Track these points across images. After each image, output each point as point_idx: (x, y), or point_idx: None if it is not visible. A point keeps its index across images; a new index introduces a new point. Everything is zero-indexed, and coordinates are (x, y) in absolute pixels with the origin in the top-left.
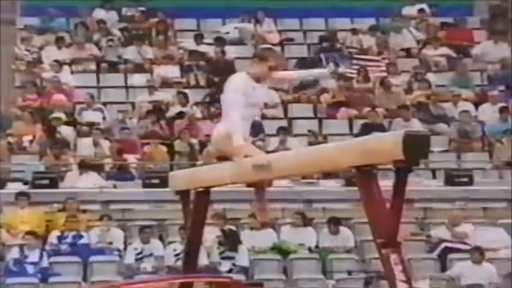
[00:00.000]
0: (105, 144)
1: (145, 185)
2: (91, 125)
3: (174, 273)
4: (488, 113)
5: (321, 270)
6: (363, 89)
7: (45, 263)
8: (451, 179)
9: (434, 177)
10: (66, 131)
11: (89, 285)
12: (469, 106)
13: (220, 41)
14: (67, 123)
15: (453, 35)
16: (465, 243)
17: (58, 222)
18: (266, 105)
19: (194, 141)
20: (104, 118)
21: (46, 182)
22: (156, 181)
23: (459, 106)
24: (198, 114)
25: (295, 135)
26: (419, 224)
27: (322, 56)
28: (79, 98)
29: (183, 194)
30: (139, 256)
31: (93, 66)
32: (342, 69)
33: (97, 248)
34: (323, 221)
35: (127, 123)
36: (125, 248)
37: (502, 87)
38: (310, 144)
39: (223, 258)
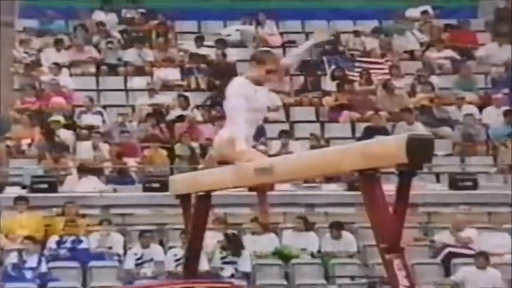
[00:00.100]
0: (105, 147)
1: (145, 189)
2: (90, 128)
3: (175, 279)
4: (493, 116)
5: (323, 275)
6: (365, 91)
7: (43, 268)
8: (455, 183)
9: (438, 181)
10: (65, 135)
11: None
12: (473, 109)
13: (221, 44)
14: (66, 127)
15: (457, 37)
16: (469, 248)
17: (57, 227)
18: (268, 109)
19: (195, 144)
20: (103, 121)
21: (45, 186)
22: (157, 185)
23: (463, 109)
24: (199, 118)
25: (297, 139)
26: (423, 229)
27: (324, 58)
28: (78, 101)
29: (184, 198)
30: (139, 261)
31: (92, 69)
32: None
33: (96, 252)
34: (325, 226)
35: (127, 126)
36: (125, 253)
37: (506, 90)
38: (312, 147)
39: (225, 263)
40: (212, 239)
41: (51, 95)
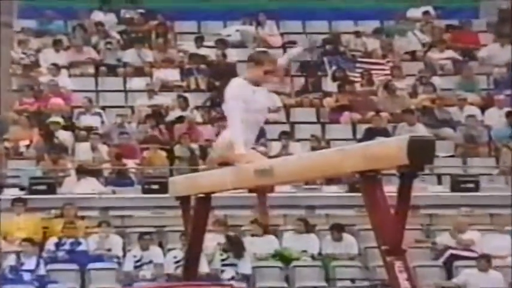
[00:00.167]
0: (104, 149)
1: (144, 191)
2: (89, 129)
3: (174, 281)
4: (495, 117)
5: (324, 277)
6: (366, 92)
7: (42, 270)
8: (457, 184)
9: (439, 182)
10: (63, 136)
11: None
12: (475, 110)
13: (221, 44)
14: (65, 128)
15: (459, 38)
16: (471, 251)
17: (55, 229)
18: (269, 110)
19: (194, 146)
20: (102, 122)
21: (43, 187)
22: (156, 187)
23: (465, 110)
24: (199, 119)
25: (298, 140)
26: (425, 231)
27: (325, 59)
28: (77, 102)
29: (184, 200)
30: (139, 263)
31: (91, 70)
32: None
33: (95, 255)
34: (326, 228)
35: (126, 127)
36: (124, 255)
37: (508, 91)
38: (313, 149)
39: (225, 265)
40: (212, 241)
41: (49, 96)
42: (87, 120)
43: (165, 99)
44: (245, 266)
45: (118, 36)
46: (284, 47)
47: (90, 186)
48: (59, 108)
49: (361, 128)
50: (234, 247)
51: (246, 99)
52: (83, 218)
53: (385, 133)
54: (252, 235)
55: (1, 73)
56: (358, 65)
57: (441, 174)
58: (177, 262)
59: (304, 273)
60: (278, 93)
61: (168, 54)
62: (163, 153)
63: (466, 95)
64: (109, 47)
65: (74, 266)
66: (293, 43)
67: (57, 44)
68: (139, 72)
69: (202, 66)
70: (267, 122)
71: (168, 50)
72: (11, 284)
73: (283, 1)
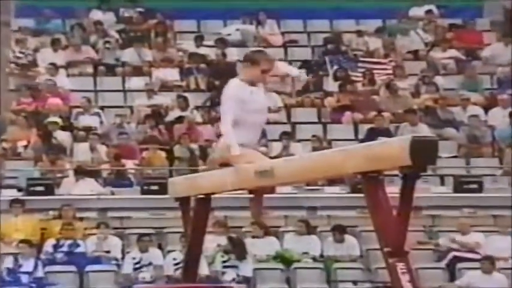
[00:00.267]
0: (103, 149)
1: (143, 192)
2: (88, 129)
3: (174, 283)
4: (498, 117)
5: (325, 279)
6: (368, 92)
7: (40, 272)
8: (460, 185)
9: (442, 183)
10: (62, 136)
11: None
12: (479, 110)
13: (221, 43)
14: (63, 128)
15: (462, 37)
16: (475, 252)
17: (53, 230)
18: (269, 110)
19: (194, 146)
20: (101, 123)
21: (41, 188)
22: (155, 188)
23: (468, 110)
24: (198, 119)
25: (299, 141)
26: (427, 232)
27: (326, 58)
28: (75, 102)
29: (183, 201)
30: (138, 265)
31: (90, 69)
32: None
33: (94, 257)
34: (327, 229)
35: (125, 127)
36: (123, 257)
37: None
38: (314, 149)
39: (226, 267)
40: (212, 242)
41: (47, 95)
42: (85, 121)
43: (164, 99)
44: (246, 268)
45: (117, 36)
46: (285, 46)
47: (88, 187)
48: (57, 108)
49: (363, 128)
50: (237, 249)
51: (243, 100)
52: (81, 219)
53: (387, 133)
54: (253, 237)
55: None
56: (360, 64)
57: (444, 175)
58: (176, 264)
59: (305, 275)
60: (279, 92)
61: (167, 54)
62: (163, 154)
63: (469, 95)
64: (108, 46)
65: (72, 268)
66: (294, 42)
67: (55, 44)
68: (138, 71)
69: (202, 65)
70: (267, 122)
71: (168, 49)
72: (9, 287)
73: (284, 0)
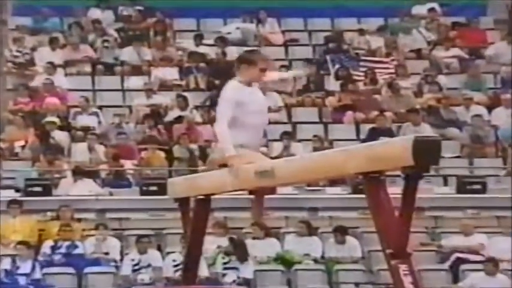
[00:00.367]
0: (101, 149)
1: (142, 193)
2: (86, 129)
3: (173, 285)
4: (502, 117)
5: (327, 281)
6: (370, 92)
7: (37, 274)
8: (463, 186)
9: (445, 184)
10: (60, 136)
11: None
12: (482, 110)
13: (221, 42)
14: (61, 128)
15: (465, 36)
16: (478, 254)
17: (51, 232)
18: (270, 109)
19: (194, 146)
20: (99, 122)
21: (39, 189)
22: (154, 188)
23: (471, 110)
24: (198, 119)
25: (300, 141)
26: (430, 234)
27: (328, 57)
28: (73, 102)
29: (183, 202)
30: (137, 267)
31: (88, 68)
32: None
33: (92, 258)
34: (329, 230)
35: (124, 127)
36: (122, 259)
37: None
38: (315, 149)
39: (227, 268)
40: (212, 244)
41: (45, 95)
42: (83, 120)
43: (163, 98)
44: (247, 270)
45: (115, 34)
46: (286, 45)
47: (86, 187)
48: (55, 108)
49: (365, 128)
50: (238, 250)
51: (243, 102)
52: (79, 220)
53: (389, 133)
54: (253, 238)
55: None
56: (361, 63)
57: (447, 175)
58: (176, 265)
59: (306, 277)
60: (279, 92)
61: (166, 53)
62: (162, 154)
63: (472, 94)
64: (106, 45)
65: (71, 270)
66: (295, 41)
67: (53, 42)
68: (137, 71)
69: (202, 64)
70: (268, 122)
71: (167, 48)
72: None
73: None
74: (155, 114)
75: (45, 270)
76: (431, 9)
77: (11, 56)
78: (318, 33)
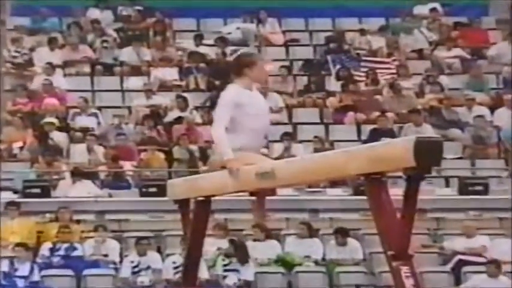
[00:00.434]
0: (100, 150)
1: (142, 194)
2: (85, 130)
3: (173, 287)
4: (504, 117)
5: (328, 284)
6: (371, 92)
7: (36, 276)
8: (465, 187)
9: (447, 185)
10: (58, 137)
11: None
12: (484, 110)
13: (221, 42)
14: (60, 129)
15: (467, 36)
16: (480, 256)
17: (50, 234)
18: (271, 110)
19: (194, 147)
20: (98, 123)
21: (37, 190)
22: (154, 190)
23: (473, 110)
24: (198, 119)
25: (300, 142)
26: (432, 235)
27: (329, 58)
28: (72, 102)
29: (182, 203)
30: (136, 269)
31: (87, 69)
32: None
33: (91, 260)
34: (330, 232)
35: (123, 128)
36: (121, 261)
37: None
38: (316, 150)
39: (227, 270)
40: (212, 245)
41: (44, 96)
42: (82, 121)
43: (163, 99)
44: (248, 272)
45: (115, 34)
46: (286, 45)
47: (85, 189)
48: (54, 109)
49: (366, 129)
50: (239, 252)
51: (242, 105)
52: (78, 222)
53: (390, 134)
54: (254, 240)
55: None
56: (362, 63)
57: (449, 176)
58: (176, 268)
59: (307, 279)
60: (280, 93)
61: (166, 53)
62: (162, 155)
63: (474, 95)
64: (105, 45)
65: (69, 272)
66: (295, 41)
67: (51, 42)
68: (136, 71)
69: (202, 65)
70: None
71: (167, 49)
72: None
73: None
74: (155, 115)
75: (44, 272)
76: (433, 9)
77: (10, 57)
78: (319, 33)
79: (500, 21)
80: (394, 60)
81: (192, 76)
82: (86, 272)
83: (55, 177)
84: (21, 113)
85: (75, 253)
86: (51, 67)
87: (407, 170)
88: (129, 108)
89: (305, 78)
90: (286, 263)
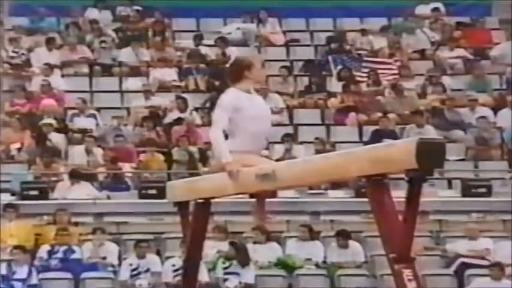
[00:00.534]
0: (99, 152)
1: (141, 196)
2: (83, 131)
3: None
4: (507, 118)
5: (329, 286)
6: (373, 93)
7: (34, 279)
8: (468, 189)
9: (450, 187)
10: (56, 138)
11: None
12: (487, 111)
13: (221, 42)
14: (58, 130)
15: (470, 36)
16: (484, 258)
17: (48, 236)
18: (272, 111)
19: (193, 149)
20: (97, 124)
21: (35, 192)
22: (153, 192)
23: (476, 111)
24: (198, 121)
25: (302, 143)
26: (434, 238)
27: (330, 58)
28: (70, 103)
29: (182, 206)
30: (135, 272)
31: (85, 69)
32: None
33: (90, 263)
34: (331, 235)
35: (122, 130)
36: (120, 264)
37: None
38: (318, 152)
39: (228, 273)
40: (212, 248)
41: (42, 96)
42: (81, 122)
43: (162, 100)
44: (248, 275)
45: (113, 35)
46: (287, 45)
47: (84, 191)
48: (52, 110)
49: (368, 130)
50: (240, 255)
51: (241, 108)
52: (76, 224)
53: (392, 135)
54: (254, 242)
55: None
56: (364, 64)
57: (451, 178)
58: (175, 270)
59: (308, 282)
60: (280, 93)
61: (165, 53)
62: (161, 157)
63: (477, 96)
64: (104, 45)
65: (68, 275)
66: (296, 41)
67: (49, 43)
68: (135, 72)
69: (202, 65)
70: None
71: (166, 49)
72: None
73: None
74: (154, 116)
75: (42, 275)
76: (435, 9)
77: (7, 57)
78: (320, 33)
79: (503, 21)
80: (396, 60)
81: (191, 77)
82: (84, 275)
83: (53, 179)
84: (19, 114)
85: (73, 256)
86: (49, 68)
87: (409, 172)
88: (128, 109)
89: (306, 79)
90: (287, 266)
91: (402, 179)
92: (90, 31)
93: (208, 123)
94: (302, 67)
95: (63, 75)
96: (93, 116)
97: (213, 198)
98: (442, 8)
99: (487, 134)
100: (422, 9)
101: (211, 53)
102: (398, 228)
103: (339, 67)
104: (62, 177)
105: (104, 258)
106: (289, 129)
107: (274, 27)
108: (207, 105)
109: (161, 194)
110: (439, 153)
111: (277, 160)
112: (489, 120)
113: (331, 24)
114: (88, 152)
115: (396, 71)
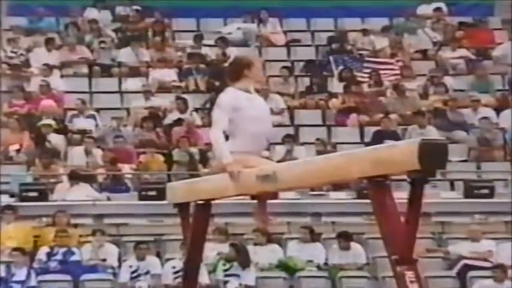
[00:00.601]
0: (98, 153)
1: (141, 198)
2: (83, 132)
3: None
4: (510, 119)
5: None
6: (374, 93)
7: (33, 281)
8: (471, 190)
9: (452, 188)
10: (56, 139)
11: None
12: (490, 112)
13: (222, 42)
14: (57, 131)
15: (472, 36)
16: (486, 260)
17: (47, 238)
18: (272, 111)
19: (193, 150)
20: (96, 125)
21: (34, 194)
22: (153, 193)
23: (479, 112)
24: (198, 121)
25: (303, 144)
26: (437, 239)
27: (331, 58)
28: (70, 104)
29: (182, 207)
30: (135, 274)
31: (84, 70)
32: None
33: (89, 265)
34: (332, 236)
35: (121, 130)
36: (119, 266)
37: None
38: (319, 153)
39: (228, 275)
40: (212, 250)
41: (41, 97)
42: (80, 123)
43: (162, 100)
44: (249, 277)
45: (113, 35)
46: (288, 45)
47: (83, 192)
48: (51, 111)
49: (369, 131)
50: (240, 256)
51: (240, 107)
52: (76, 226)
53: (394, 136)
54: (255, 244)
55: None
56: (365, 64)
57: (454, 179)
58: (175, 273)
59: (309, 284)
60: (281, 94)
61: (165, 54)
62: (161, 158)
63: (479, 96)
64: (103, 46)
65: (67, 277)
66: (297, 41)
67: (48, 43)
68: (135, 72)
69: (202, 65)
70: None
71: (166, 49)
72: None
73: None
74: (154, 117)
75: (41, 277)
76: (437, 9)
77: (6, 57)
78: (321, 33)
79: (505, 21)
80: (398, 60)
81: (191, 77)
82: (83, 277)
83: (52, 180)
84: (18, 115)
85: (72, 258)
86: (48, 68)
87: (411, 173)
88: (127, 110)
89: (307, 79)
90: (288, 268)
91: (404, 180)
92: (90, 31)
93: (208, 124)
94: (303, 67)
95: (62, 76)
96: (93, 116)
97: (213, 199)
98: (444, 8)
99: (489, 135)
100: (424, 9)
101: (212, 53)
102: (401, 229)
103: (340, 67)
104: (61, 179)
105: (104, 260)
106: (290, 130)
107: (274, 27)
108: (207, 105)
109: (161, 195)
110: (441, 154)
111: (278, 161)
112: (491, 121)
113: (332, 24)
114: (87, 153)
115: (398, 72)
